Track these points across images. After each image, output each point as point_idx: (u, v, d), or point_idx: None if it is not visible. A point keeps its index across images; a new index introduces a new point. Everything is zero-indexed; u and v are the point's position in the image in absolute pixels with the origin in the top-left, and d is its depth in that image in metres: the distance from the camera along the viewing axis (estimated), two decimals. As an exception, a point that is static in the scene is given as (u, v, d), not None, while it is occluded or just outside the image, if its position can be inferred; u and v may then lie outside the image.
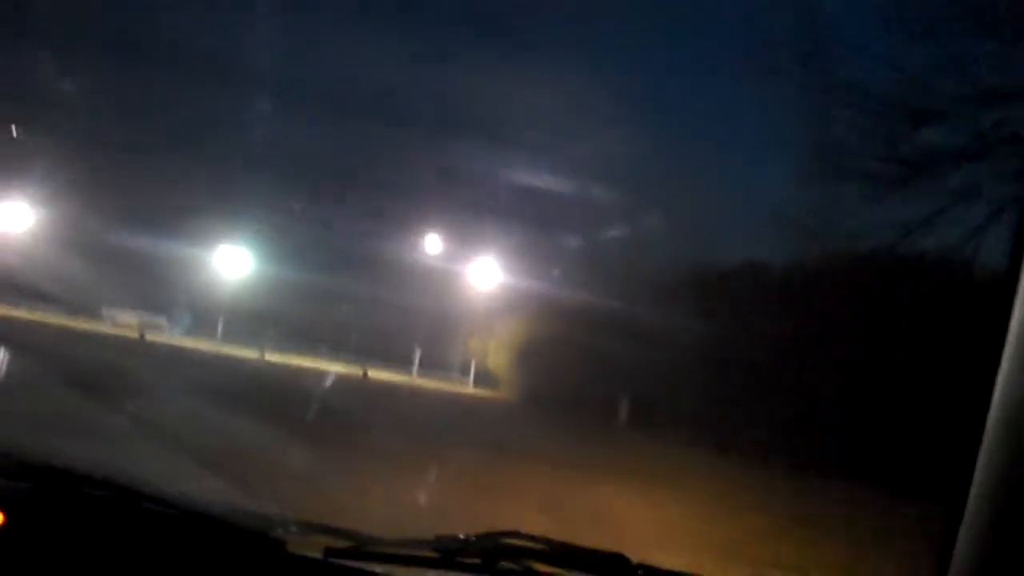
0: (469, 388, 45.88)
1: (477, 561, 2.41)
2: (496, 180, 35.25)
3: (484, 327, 43.24)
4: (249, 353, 41.19)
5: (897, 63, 17.71)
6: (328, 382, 30.20)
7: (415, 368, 46.99)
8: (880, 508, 15.79)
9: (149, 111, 36.71)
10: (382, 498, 8.79)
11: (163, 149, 37.69)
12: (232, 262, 43.44)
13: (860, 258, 20.23)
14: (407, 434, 17.14)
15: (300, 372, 35.83)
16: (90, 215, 37.19)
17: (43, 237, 37.44)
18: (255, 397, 19.85)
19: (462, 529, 2.53)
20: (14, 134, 31.96)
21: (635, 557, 2.39)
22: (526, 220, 39.23)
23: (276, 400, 20.21)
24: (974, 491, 1.72)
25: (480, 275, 42.54)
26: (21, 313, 41.56)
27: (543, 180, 34.62)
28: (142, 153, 37.82)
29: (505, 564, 2.39)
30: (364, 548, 2.42)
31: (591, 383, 31.14)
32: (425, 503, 9.42)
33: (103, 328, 44.15)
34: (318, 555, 2.35)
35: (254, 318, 43.91)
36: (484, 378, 44.87)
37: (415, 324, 45.13)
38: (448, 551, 2.41)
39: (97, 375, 16.96)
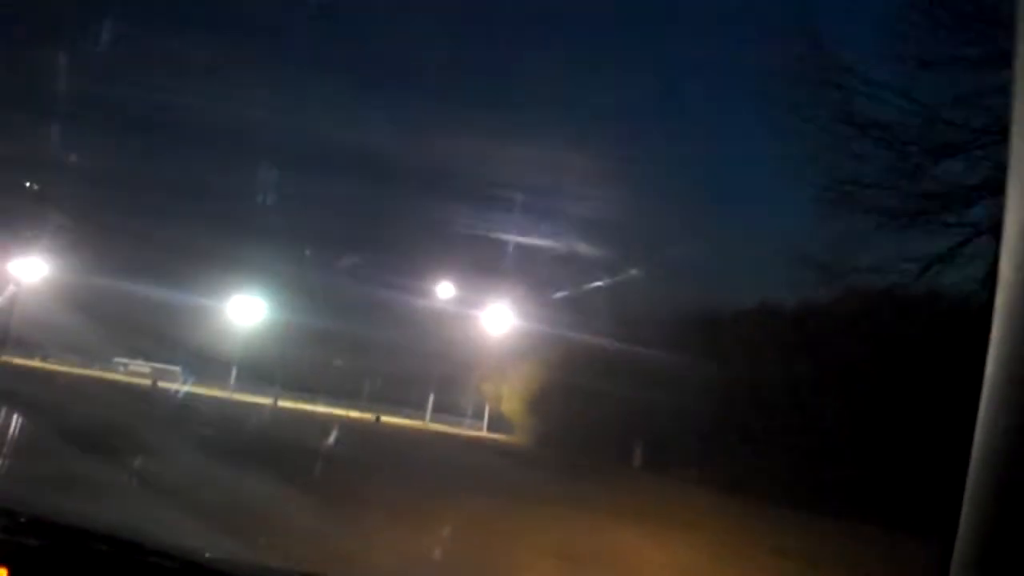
0: (483, 432, 45.71)
1: None
2: (503, 233, 35.43)
3: (497, 372, 43.15)
4: (262, 400, 41.16)
5: (914, 96, 17.43)
6: (339, 428, 30.11)
7: (428, 413, 46.87)
8: (889, 547, 15.66)
9: (163, 171, 37.07)
10: (393, 547, 8.74)
11: (176, 204, 38.12)
12: (245, 311, 43.54)
13: (876, 295, 19.89)
14: (419, 481, 17.06)
15: (311, 418, 35.77)
16: (104, 269, 37.46)
17: (59, 290, 37.68)
18: (265, 446, 19.80)
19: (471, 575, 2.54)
20: (31, 192, 32.42)
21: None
22: (537, 267, 39.34)
23: (286, 449, 20.12)
24: (962, 526, 1.73)
25: (492, 321, 42.57)
26: (36, 363, 41.75)
27: (551, 228, 34.83)
28: (156, 210, 38.24)
29: None
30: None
31: (604, 426, 31.01)
32: (437, 551, 9.37)
33: (117, 377, 44.25)
34: None
35: (266, 365, 43.92)
36: (498, 422, 44.71)
37: (428, 370, 45.09)
38: None
39: (106, 428, 16.95)
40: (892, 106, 17.86)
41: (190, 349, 44.02)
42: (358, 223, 43.43)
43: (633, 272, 35.68)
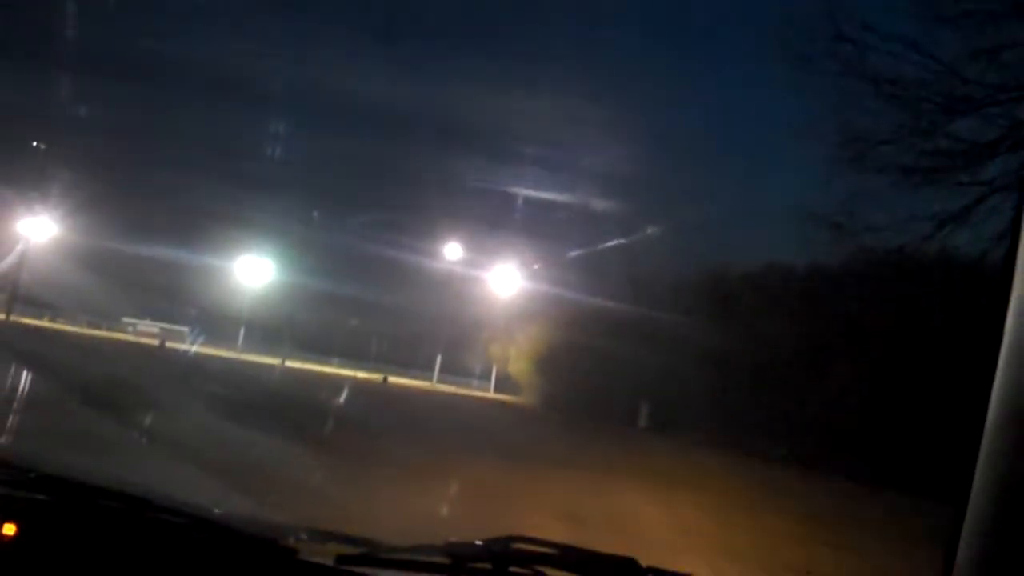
0: (490, 393, 45.87)
1: (488, 566, 2.40)
2: (515, 192, 35.33)
3: (505, 333, 43.23)
4: (270, 360, 41.31)
5: (929, 51, 17.04)
6: (347, 389, 30.22)
7: (436, 374, 47.02)
8: (893, 508, 15.72)
9: (171, 128, 37.10)
10: (397, 505, 8.76)
11: (185, 164, 38.15)
12: (253, 272, 43.62)
13: (889, 254, 19.64)
14: (425, 442, 17.11)
15: (319, 379, 35.86)
16: (112, 228, 37.53)
17: (67, 250, 37.79)
18: (272, 405, 19.87)
19: (479, 536, 2.52)
20: (39, 152, 32.41)
21: (651, 561, 2.38)
22: (545, 228, 39.36)
23: (293, 408, 20.21)
24: (975, 490, 1.71)
25: (500, 282, 42.60)
26: (45, 323, 41.91)
27: (560, 189, 34.77)
28: (164, 168, 38.28)
29: (516, 569, 2.38)
30: (375, 555, 2.41)
31: (611, 387, 31.11)
32: (441, 510, 9.40)
33: (125, 337, 44.42)
34: (329, 562, 2.34)
35: (275, 326, 44.11)
36: (505, 383, 44.85)
37: (436, 331, 45.25)
38: (459, 557, 2.39)
39: (115, 386, 17.02)
40: (907, 61, 17.55)
41: (198, 309, 44.26)
42: (368, 181, 43.51)
43: (643, 232, 35.64)
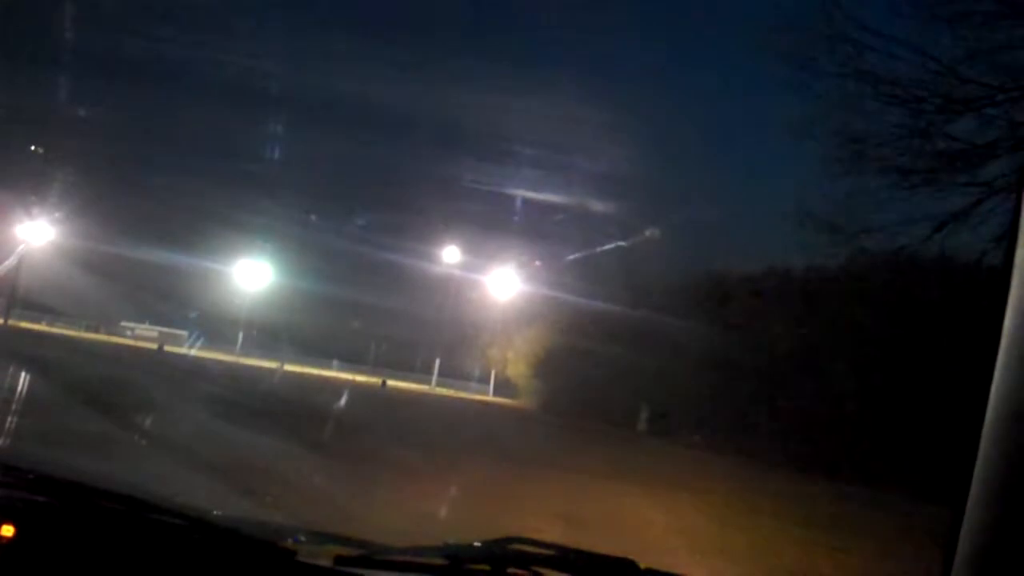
0: (489, 396, 45.88)
1: (486, 567, 2.40)
2: (513, 194, 35.36)
3: (503, 336, 43.25)
4: (268, 364, 41.31)
5: (927, 52, 17.03)
6: (345, 392, 30.24)
7: (434, 377, 47.03)
8: (892, 509, 15.72)
9: (169, 131, 37.15)
10: (396, 507, 8.78)
11: (183, 167, 38.18)
12: (251, 275, 43.64)
13: (887, 255, 19.63)
14: (424, 443, 17.12)
15: (318, 382, 35.88)
16: (111, 232, 37.54)
17: (66, 253, 37.80)
18: (271, 408, 19.89)
19: (476, 538, 2.52)
20: (38, 156, 32.42)
21: (649, 563, 2.38)
22: (543, 230, 39.32)
23: (292, 410, 20.24)
24: (973, 491, 1.71)
25: (499, 285, 42.64)
26: (43, 327, 41.89)
27: (559, 191, 34.77)
28: (163, 171, 38.29)
29: (514, 571, 2.38)
30: (374, 556, 2.42)
31: (609, 390, 31.12)
32: (440, 512, 9.40)
33: (124, 341, 44.42)
34: (328, 564, 2.35)
35: (274, 330, 44.11)
36: (504, 387, 44.87)
37: (434, 334, 45.25)
38: (457, 558, 2.39)
39: (113, 388, 17.05)
40: (905, 62, 17.54)
41: (197, 313, 44.29)
42: (366, 184, 43.53)
43: (642, 234, 35.66)
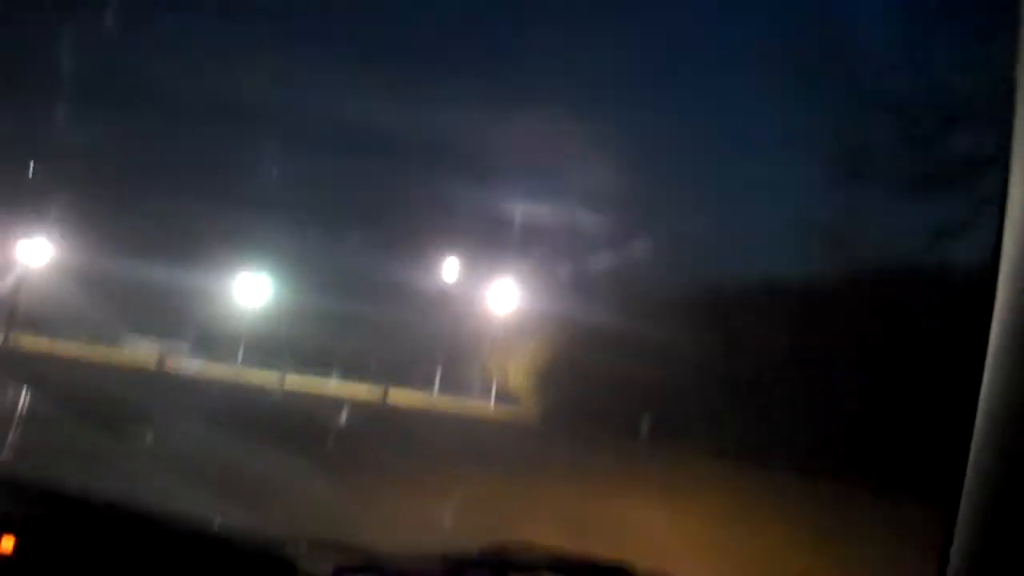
0: (490, 408, 45.80)
1: (486, 574, 2.42)
2: (513, 205, 35.35)
3: (503, 348, 43.21)
4: (268, 378, 41.27)
5: (925, 63, 17.13)
6: (347, 405, 30.23)
7: (435, 389, 46.95)
8: (896, 518, 15.70)
9: (168, 149, 37.09)
10: (396, 517, 8.79)
11: (182, 184, 38.07)
12: (251, 289, 43.61)
13: (887, 267, 19.65)
14: (425, 454, 17.13)
15: (319, 396, 35.88)
16: (108, 246, 37.49)
17: (63, 269, 37.76)
18: (272, 420, 19.91)
19: (476, 547, 2.54)
20: (33, 171, 32.43)
21: (649, 568, 2.40)
22: (541, 243, 39.27)
23: (293, 423, 20.25)
24: (966, 492, 1.73)
25: (499, 297, 42.61)
26: (42, 344, 41.86)
27: (557, 204, 34.74)
28: (161, 188, 38.18)
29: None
30: (373, 565, 2.44)
31: (610, 400, 31.05)
32: (440, 522, 9.41)
33: (123, 357, 44.39)
34: (328, 573, 2.36)
35: (274, 344, 44.01)
36: (505, 398, 44.78)
37: (435, 346, 45.15)
38: (456, 566, 2.41)
39: (113, 403, 17.06)
40: (902, 74, 17.61)
41: (197, 328, 44.19)
42: (365, 200, 43.39)
43: (641, 246, 35.64)
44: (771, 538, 11.98)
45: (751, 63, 44.11)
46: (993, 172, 16.80)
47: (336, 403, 30.66)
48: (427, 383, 46.85)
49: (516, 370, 42.32)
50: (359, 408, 30.96)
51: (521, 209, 35.11)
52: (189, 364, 42.56)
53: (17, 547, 2.32)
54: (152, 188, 37.91)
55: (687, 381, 27.18)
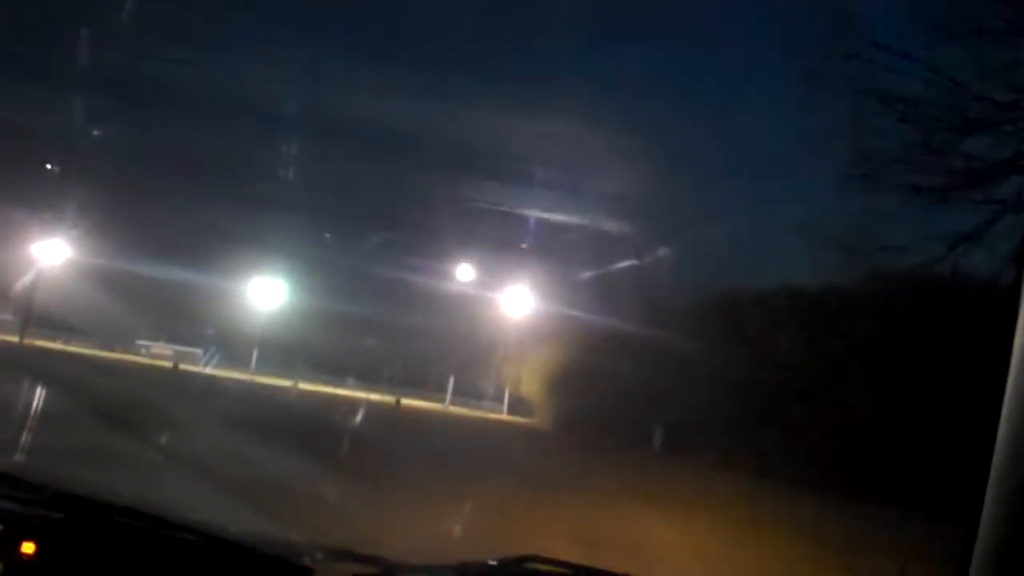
0: (503, 415, 45.77)
1: None
2: (526, 213, 35.25)
3: (517, 355, 43.18)
4: (283, 382, 41.38)
5: (941, 69, 16.95)
6: (360, 411, 30.24)
7: (448, 396, 46.97)
8: (911, 532, 15.60)
9: (184, 150, 37.10)
10: (411, 526, 8.79)
11: (197, 186, 38.17)
12: (266, 294, 43.74)
13: (901, 275, 19.51)
14: (438, 462, 17.12)
15: (332, 401, 35.91)
16: (126, 250, 37.66)
17: (80, 272, 37.94)
18: (287, 426, 19.93)
19: (490, 556, 2.53)
20: (51, 175, 32.61)
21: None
22: (555, 250, 39.17)
23: (308, 429, 20.27)
24: (987, 509, 1.72)
25: (512, 304, 42.61)
26: (59, 346, 42.05)
27: (572, 210, 34.63)
28: (177, 191, 38.33)
29: None
30: (390, 574, 2.44)
31: (625, 409, 30.99)
32: (455, 531, 9.39)
33: (139, 360, 44.57)
34: None
35: (288, 348, 44.14)
36: (518, 405, 44.75)
37: (448, 353, 45.20)
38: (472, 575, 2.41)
39: (130, 407, 17.12)
40: (918, 80, 17.46)
41: (211, 331, 44.36)
42: (380, 203, 43.41)
43: (655, 253, 35.55)
44: (784, 553, 11.93)
45: (767, 69, 44.06)
46: (1009, 178, 16.72)
47: (349, 408, 30.67)
48: (439, 389, 46.91)
49: (529, 377, 42.30)
50: (372, 413, 30.97)
51: (538, 214, 35.06)
52: (203, 367, 42.74)
53: (38, 551, 2.33)
54: (169, 190, 38.06)
55: (701, 390, 27.09)
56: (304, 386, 41.59)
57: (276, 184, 32.80)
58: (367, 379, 42.98)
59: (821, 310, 24.63)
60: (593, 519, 12.40)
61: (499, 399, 47.43)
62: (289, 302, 43.29)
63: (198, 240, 39.87)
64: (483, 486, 14.08)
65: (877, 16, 27.19)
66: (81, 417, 13.91)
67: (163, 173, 35.90)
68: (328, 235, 41.81)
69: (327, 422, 23.97)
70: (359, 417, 27.36)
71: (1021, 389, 1.72)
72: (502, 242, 39.88)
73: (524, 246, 37.62)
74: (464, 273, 41.70)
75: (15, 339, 38.72)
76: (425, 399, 45.34)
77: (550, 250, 39.46)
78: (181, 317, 42.24)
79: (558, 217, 34.75)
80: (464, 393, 47.39)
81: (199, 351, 45.55)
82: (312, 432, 19.38)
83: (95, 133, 30.75)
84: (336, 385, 42.31)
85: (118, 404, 17.07)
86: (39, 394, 14.89)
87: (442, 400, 46.37)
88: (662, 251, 35.63)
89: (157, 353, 47.32)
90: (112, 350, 45.15)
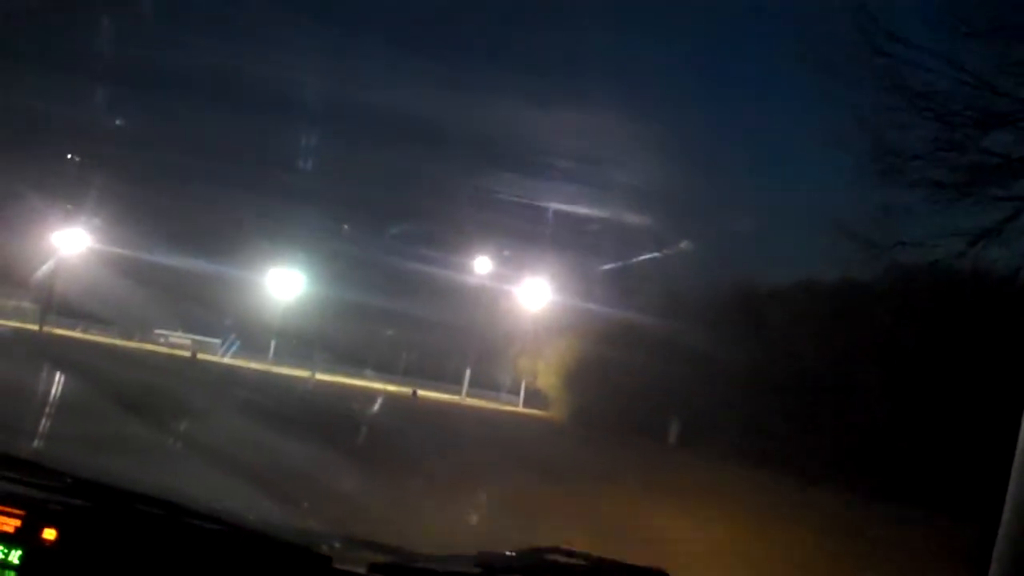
0: (519, 408, 45.77)
1: None
2: (545, 205, 35.26)
3: (534, 347, 43.14)
4: (300, 373, 41.48)
5: (963, 64, 16.83)
6: (377, 402, 30.31)
7: (465, 388, 46.98)
8: (930, 527, 15.55)
9: (204, 140, 37.26)
10: (428, 516, 8.80)
11: (216, 176, 38.30)
12: (284, 284, 43.85)
13: (922, 270, 19.42)
14: (455, 453, 17.15)
15: (350, 392, 36.02)
16: (145, 240, 37.86)
17: (100, 262, 38.15)
18: (305, 416, 19.98)
19: (508, 548, 2.53)
20: (72, 164, 32.81)
21: (680, 574, 2.39)
22: (573, 243, 39.18)
23: (325, 419, 20.32)
24: (1008, 510, 1.71)
25: (529, 296, 42.60)
26: (78, 334, 42.27)
27: (591, 202, 34.61)
28: (196, 180, 38.49)
29: None
30: (408, 564, 2.44)
31: (641, 402, 30.95)
32: (471, 522, 9.41)
33: (157, 349, 44.76)
34: (362, 570, 2.37)
35: (305, 339, 44.25)
36: (534, 398, 44.71)
37: (465, 344, 45.18)
38: (491, 567, 2.41)
39: (149, 395, 17.20)
40: (939, 75, 17.34)
41: (229, 321, 44.49)
42: (398, 194, 43.53)
43: (673, 246, 35.52)
44: (804, 548, 11.90)
45: (788, 64, 43.89)
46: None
47: (367, 399, 30.76)
48: (456, 380, 46.92)
49: (546, 370, 42.25)
50: (389, 403, 31.05)
51: (557, 206, 35.07)
52: (221, 357, 42.90)
53: (59, 538, 2.34)
54: (187, 179, 38.23)
55: (719, 384, 27.03)
56: (321, 376, 41.66)
57: (295, 174, 32.94)
58: (384, 370, 43.05)
59: (840, 305, 24.50)
60: (610, 511, 12.41)
61: (515, 391, 47.43)
62: (307, 293, 43.40)
63: (217, 230, 40.12)
64: (499, 477, 14.08)
65: (900, 11, 26.99)
66: (101, 405, 13.98)
67: (183, 163, 36.04)
68: (346, 226, 41.96)
69: (344, 412, 24.04)
70: (376, 407, 27.44)
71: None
72: (521, 234, 39.93)
73: (543, 238, 37.69)
74: (482, 265, 41.76)
75: (35, 327, 38.93)
76: (442, 391, 45.34)
77: (569, 242, 39.49)
78: (200, 307, 42.37)
79: (577, 209, 34.78)
80: (481, 385, 47.39)
81: (217, 341, 45.71)
82: (330, 422, 19.45)
83: (116, 123, 30.94)
84: (353, 376, 42.39)
85: (137, 392, 17.15)
86: (59, 382, 15.00)
87: (459, 392, 46.38)
88: (683, 244, 35.63)
89: (175, 342, 47.52)
90: (131, 339, 45.34)
